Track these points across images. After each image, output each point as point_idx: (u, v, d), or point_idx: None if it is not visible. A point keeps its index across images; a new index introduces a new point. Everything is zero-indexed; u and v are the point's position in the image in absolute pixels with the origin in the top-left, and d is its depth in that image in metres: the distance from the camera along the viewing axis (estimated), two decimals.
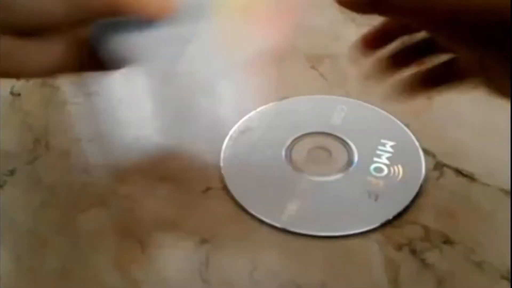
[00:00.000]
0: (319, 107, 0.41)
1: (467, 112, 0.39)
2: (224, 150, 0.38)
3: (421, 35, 0.30)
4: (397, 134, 0.38)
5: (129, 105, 0.41)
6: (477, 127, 0.39)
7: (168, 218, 0.34)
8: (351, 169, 0.36)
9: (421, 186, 0.34)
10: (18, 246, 0.33)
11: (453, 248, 0.31)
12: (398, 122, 0.39)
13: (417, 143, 0.37)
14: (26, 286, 0.31)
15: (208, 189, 0.36)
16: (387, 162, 0.36)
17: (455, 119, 0.39)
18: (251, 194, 0.33)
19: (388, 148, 0.37)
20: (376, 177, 0.35)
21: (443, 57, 0.30)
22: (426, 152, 0.37)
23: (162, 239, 0.33)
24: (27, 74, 0.28)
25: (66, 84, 0.45)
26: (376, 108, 0.40)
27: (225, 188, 0.35)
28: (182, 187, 0.36)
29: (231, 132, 0.39)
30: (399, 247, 0.32)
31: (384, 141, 0.37)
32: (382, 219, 0.33)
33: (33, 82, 0.46)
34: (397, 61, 0.31)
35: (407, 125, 0.39)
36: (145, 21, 0.28)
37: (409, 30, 0.30)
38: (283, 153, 0.37)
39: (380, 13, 0.27)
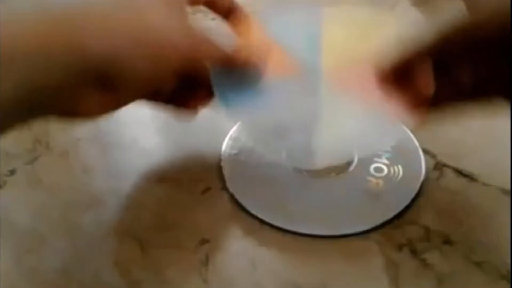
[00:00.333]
0: None
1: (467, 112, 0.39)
2: (224, 150, 0.38)
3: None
4: (397, 134, 0.38)
5: (129, 105, 0.41)
6: (477, 127, 0.39)
7: (168, 218, 0.34)
8: (351, 169, 0.36)
9: (421, 186, 0.34)
10: (18, 246, 0.33)
11: (453, 248, 0.31)
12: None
13: (417, 143, 0.37)
14: (26, 286, 0.31)
15: (208, 189, 0.36)
16: (387, 162, 0.36)
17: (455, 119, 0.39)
18: (251, 194, 0.33)
19: (388, 148, 0.37)
20: (376, 177, 0.35)
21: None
22: (426, 152, 0.37)
23: (162, 239, 0.33)
24: (90, 117, 0.30)
25: None
26: None
27: (225, 188, 0.35)
28: (182, 187, 0.36)
29: (231, 132, 0.39)
30: (399, 247, 0.32)
31: None
32: (382, 219, 0.33)
33: None
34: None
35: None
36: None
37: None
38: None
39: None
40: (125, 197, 0.35)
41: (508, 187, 0.34)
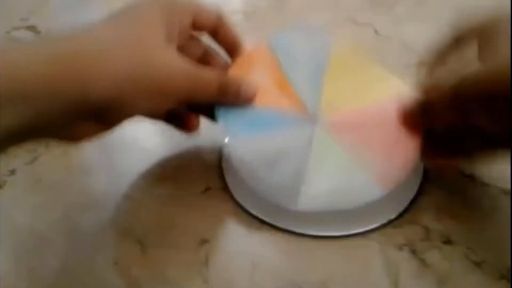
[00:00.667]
0: None
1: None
2: (224, 150, 0.38)
3: None
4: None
5: None
6: None
7: (168, 218, 0.34)
8: None
9: (421, 186, 0.34)
10: (18, 246, 0.33)
11: (453, 248, 0.31)
12: None
13: None
14: (26, 286, 0.31)
15: (208, 189, 0.36)
16: None
17: None
18: (251, 194, 0.33)
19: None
20: None
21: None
22: None
23: (162, 239, 0.33)
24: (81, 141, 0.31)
25: None
26: None
27: (225, 188, 0.35)
28: (182, 187, 0.36)
29: None
30: (399, 247, 0.32)
31: None
32: (382, 219, 0.33)
33: None
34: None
35: None
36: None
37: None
38: None
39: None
40: (125, 197, 0.35)
41: (508, 187, 0.34)
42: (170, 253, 0.32)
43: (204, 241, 0.33)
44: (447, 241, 0.32)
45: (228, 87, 0.32)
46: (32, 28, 0.50)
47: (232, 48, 0.35)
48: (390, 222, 0.33)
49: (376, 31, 0.47)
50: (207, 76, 0.32)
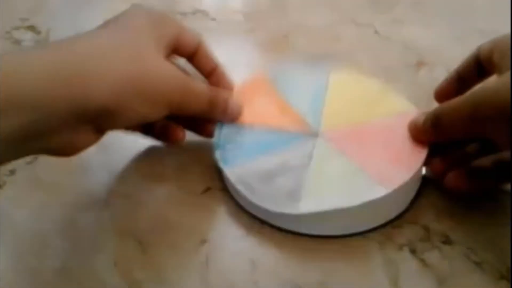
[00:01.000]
0: None
1: None
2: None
3: None
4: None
5: None
6: None
7: (168, 218, 0.34)
8: None
9: (421, 186, 0.34)
10: (18, 246, 0.33)
11: (453, 248, 0.31)
12: None
13: None
14: (26, 286, 0.31)
15: (208, 189, 0.36)
16: None
17: None
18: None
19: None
20: None
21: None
22: None
23: (162, 239, 0.33)
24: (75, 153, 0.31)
25: None
26: None
27: (225, 188, 0.35)
28: (182, 187, 0.36)
29: None
30: (399, 247, 0.32)
31: None
32: (382, 219, 0.33)
33: None
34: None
35: None
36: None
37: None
38: None
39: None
40: (125, 197, 0.35)
41: (508, 187, 0.34)
42: (170, 253, 0.32)
43: (204, 241, 0.33)
44: (447, 241, 0.32)
45: (218, 101, 0.34)
46: (32, 28, 0.50)
47: (211, 72, 0.36)
48: (390, 222, 0.33)
49: (376, 31, 0.47)
50: (199, 86, 0.33)
